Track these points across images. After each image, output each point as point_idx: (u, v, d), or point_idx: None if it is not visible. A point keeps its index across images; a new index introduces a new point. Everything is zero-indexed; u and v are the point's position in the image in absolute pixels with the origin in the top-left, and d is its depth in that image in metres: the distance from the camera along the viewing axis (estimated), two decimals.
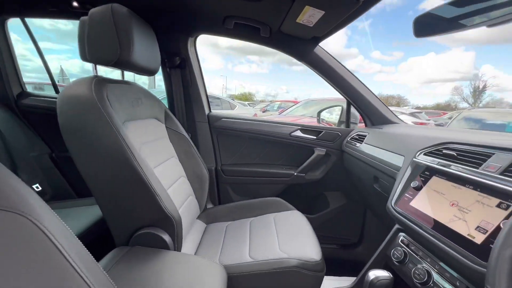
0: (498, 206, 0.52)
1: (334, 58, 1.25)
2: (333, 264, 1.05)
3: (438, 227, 0.60)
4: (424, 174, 0.72)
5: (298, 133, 1.41)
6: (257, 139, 1.43)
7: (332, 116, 2.03)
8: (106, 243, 0.79)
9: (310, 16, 0.87)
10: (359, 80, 1.29)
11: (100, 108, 0.68)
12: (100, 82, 0.74)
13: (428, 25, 0.62)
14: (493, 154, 0.60)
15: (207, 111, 1.41)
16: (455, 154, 0.67)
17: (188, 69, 1.29)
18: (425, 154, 0.77)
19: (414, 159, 0.79)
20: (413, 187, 0.72)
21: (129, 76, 1.02)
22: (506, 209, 0.50)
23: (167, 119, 1.07)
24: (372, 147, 1.08)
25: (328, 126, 1.49)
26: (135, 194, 0.70)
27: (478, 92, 30.38)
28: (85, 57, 0.76)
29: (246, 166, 1.45)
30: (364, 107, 1.31)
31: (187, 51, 1.26)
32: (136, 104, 0.89)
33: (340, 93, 1.31)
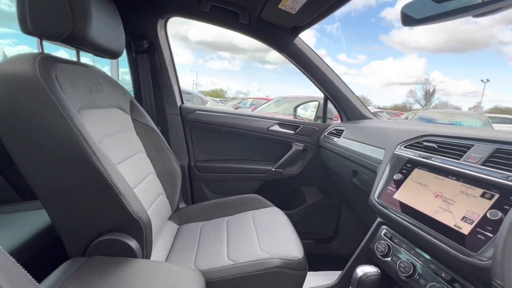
0: (482, 196, 0.52)
1: (313, 51, 1.22)
2: (311, 259, 1.04)
3: (424, 219, 0.59)
4: (406, 166, 0.72)
5: (276, 128, 1.37)
6: (233, 133, 1.36)
7: (307, 113, 2.04)
8: (57, 255, 0.66)
9: (293, 1, 0.83)
10: (336, 75, 1.29)
11: (46, 90, 0.55)
12: (47, 59, 0.61)
13: (416, 14, 0.61)
14: (473, 145, 0.61)
15: (179, 103, 1.30)
16: (436, 146, 0.68)
17: (158, 54, 1.17)
18: (405, 147, 0.78)
19: (395, 152, 0.79)
20: (396, 180, 0.72)
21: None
22: (490, 199, 0.51)
23: (133, 109, 0.95)
24: (351, 141, 1.08)
25: (306, 121, 1.48)
26: (94, 194, 0.59)
27: (428, 95, 33.79)
28: (26, 28, 0.62)
29: (222, 162, 1.37)
30: (341, 102, 1.31)
31: (157, 34, 1.14)
32: (95, 90, 0.76)
33: (318, 87, 1.30)
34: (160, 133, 1.01)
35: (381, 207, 0.71)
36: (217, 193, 1.39)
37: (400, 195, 0.68)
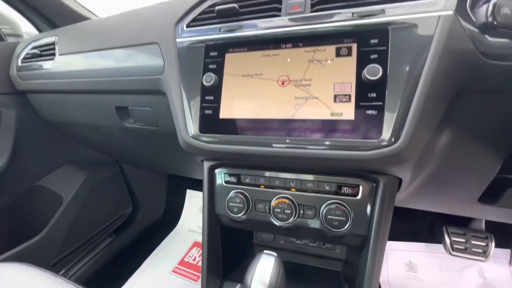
0: (339, 55, 0.34)
1: None
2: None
3: (286, 128, 0.35)
4: (210, 57, 0.40)
5: None
6: None
7: None
8: None
9: None
10: None
11: None
12: None
13: None
14: None
15: None
16: (237, 7, 0.39)
17: None
18: (190, 26, 0.42)
19: (178, 39, 0.42)
20: (207, 87, 0.39)
21: None
22: (349, 53, 0.33)
23: None
24: (84, 55, 0.54)
25: None
26: None
27: None
28: None
29: None
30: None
31: None
32: None
33: None
34: None
35: (208, 145, 0.38)
36: None
37: (228, 110, 0.38)
